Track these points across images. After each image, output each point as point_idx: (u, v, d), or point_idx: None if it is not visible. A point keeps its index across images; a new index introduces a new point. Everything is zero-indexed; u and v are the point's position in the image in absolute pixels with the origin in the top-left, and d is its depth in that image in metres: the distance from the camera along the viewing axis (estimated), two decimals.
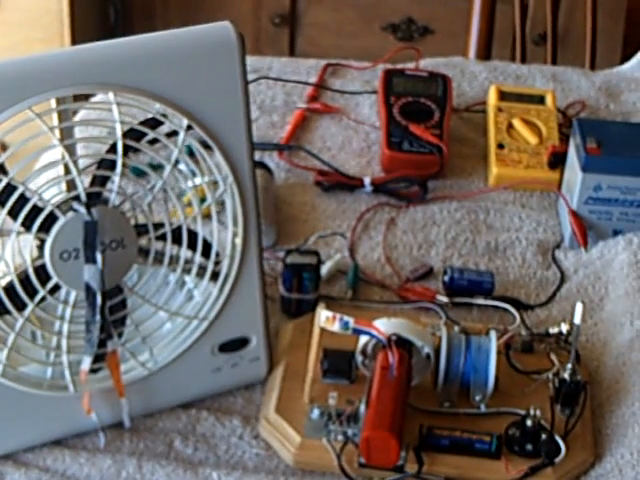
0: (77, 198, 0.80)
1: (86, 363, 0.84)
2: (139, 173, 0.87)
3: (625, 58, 1.54)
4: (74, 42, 2.19)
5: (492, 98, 1.29)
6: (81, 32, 2.22)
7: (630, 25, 1.80)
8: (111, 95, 0.79)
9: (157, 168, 0.84)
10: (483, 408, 0.89)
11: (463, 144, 1.27)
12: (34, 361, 0.86)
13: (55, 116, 0.79)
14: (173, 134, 0.84)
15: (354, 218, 1.14)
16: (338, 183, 1.19)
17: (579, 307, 0.88)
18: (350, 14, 2.42)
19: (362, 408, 0.86)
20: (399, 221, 1.15)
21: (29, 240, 0.81)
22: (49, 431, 0.88)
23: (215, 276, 0.89)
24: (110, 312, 0.84)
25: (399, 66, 1.37)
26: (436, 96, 1.27)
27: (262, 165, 1.17)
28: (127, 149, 0.81)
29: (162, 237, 0.86)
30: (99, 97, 0.83)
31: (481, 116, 1.31)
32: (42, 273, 0.81)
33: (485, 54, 1.68)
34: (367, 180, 1.18)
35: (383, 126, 1.24)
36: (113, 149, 0.81)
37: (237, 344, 0.92)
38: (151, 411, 0.91)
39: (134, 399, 0.88)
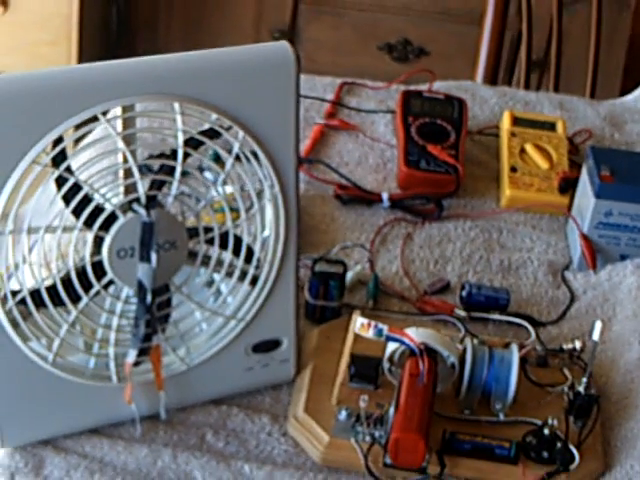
0: (137, 200, 0.84)
1: (132, 356, 0.88)
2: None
3: (624, 87, 1.61)
4: (81, 45, 2.23)
5: (506, 123, 1.34)
6: (87, 36, 2.26)
7: (631, 55, 1.86)
8: (177, 105, 0.84)
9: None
10: (502, 417, 0.94)
11: (476, 166, 1.32)
12: (80, 351, 0.90)
13: (119, 122, 0.84)
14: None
15: (372, 231, 1.19)
16: (357, 197, 1.24)
17: (598, 325, 0.93)
18: (348, 33, 2.47)
19: (391, 412, 0.90)
20: (415, 236, 1.20)
21: (87, 237, 0.85)
22: (88, 419, 0.92)
23: (254, 280, 0.94)
24: (157, 309, 0.89)
25: (412, 87, 1.42)
26: (452, 118, 1.32)
27: None
28: (185, 157, 0.86)
29: (209, 242, 0.90)
30: (155, 106, 0.88)
31: (493, 139, 1.36)
32: (98, 269, 0.86)
33: (492, 79, 1.74)
34: (385, 195, 1.23)
35: (401, 144, 1.29)
36: (170, 156, 0.86)
37: (269, 345, 0.97)
38: (185, 405, 0.95)
39: (170, 392, 0.92)
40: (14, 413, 0.89)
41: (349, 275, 1.11)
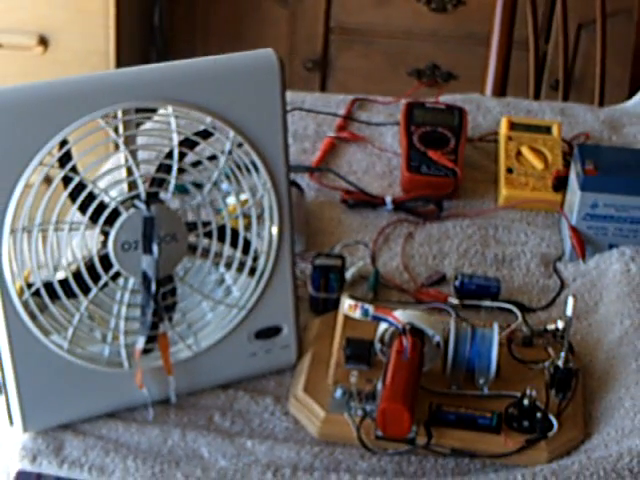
0: (138, 197, 0.93)
1: (140, 343, 0.97)
2: (184, 191, 0.99)
3: (631, 97, 1.67)
4: None
5: (503, 128, 1.42)
6: None
7: (637, 67, 1.92)
8: (170, 108, 0.93)
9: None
10: (486, 390, 1.01)
11: (476, 170, 1.40)
12: (95, 341, 0.98)
13: (121, 125, 0.93)
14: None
15: (376, 232, 1.27)
16: (362, 201, 1.31)
17: (570, 300, 1.00)
18: (378, 60, 2.55)
19: (379, 386, 0.98)
20: (416, 235, 1.27)
21: (94, 233, 0.94)
22: (105, 404, 1.00)
23: (253, 271, 1.02)
24: (162, 298, 0.97)
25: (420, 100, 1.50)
26: (452, 126, 1.40)
27: (295, 184, 1.29)
28: (181, 156, 0.95)
29: (208, 234, 0.99)
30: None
31: (493, 145, 1.44)
32: (105, 261, 0.94)
33: (500, 93, 1.81)
34: (388, 199, 1.30)
35: (404, 151, 1.37)
36: (169, 156, 0.95)
37: (271, 332, 1.04)
38: (194, 390, 1.03)
39: (180, 378, 1.00)
40: (36, 400, 0.97)
41: (351, 270, 1.19)
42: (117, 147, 0.93)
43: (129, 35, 2.39)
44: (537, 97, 1.87)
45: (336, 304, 1.12)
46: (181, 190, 0.97)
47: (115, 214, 0.93)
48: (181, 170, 0.95)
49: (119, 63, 2.31)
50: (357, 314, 0.99)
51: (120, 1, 2.27)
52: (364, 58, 2.56)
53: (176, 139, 0.94)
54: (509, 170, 1.35)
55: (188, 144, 0.95)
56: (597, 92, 1.84)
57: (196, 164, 0.97)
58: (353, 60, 2.56)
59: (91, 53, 2.26)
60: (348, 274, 1.17)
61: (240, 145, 0.97)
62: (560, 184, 1.31)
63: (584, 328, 1.12)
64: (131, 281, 0.96)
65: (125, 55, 2.35)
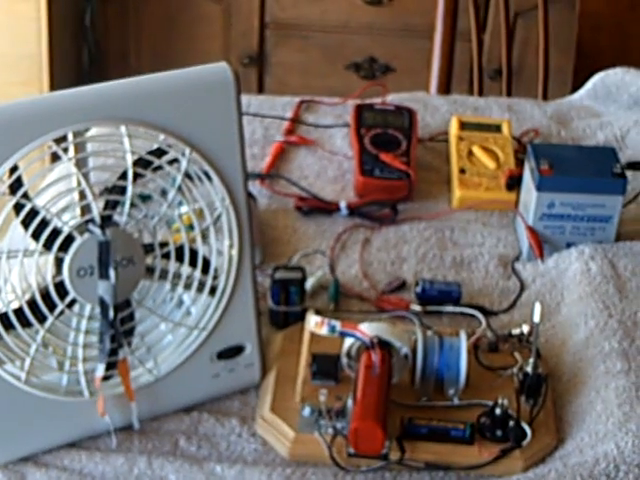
0: (92, 221, 0.90)
1: (100, 370, 0.94)
2: (143, 197, 0.96)
3: (575, 90, 1.67)
4: (52, 85, 2.29)
5: (453, 128, 1.40)
6: (58, 75, 2.32)
7: (580, 59, 1.93)
8: (123, 128, 0.89)
9: (147, 199, 0.94)
10: (456, 401, 0.99)
11: (428, 170, 1.38)
12: (52, 370, 0.95)
13: (72, 148, 0.90)
14: (173, 162, 0.94)
15: (332, 239, 1.25)
16: (316, 208, 1.29)
17: (537, 307, 0.99)
18: (315, 54, 2.53)
19: (349, 403, 0.96)
20: (373, 240, 1.25)
21: (48, 260, 0.91)
22: (66, 434, 0.97)
23: (213, 290, 0.99)
24: (120, 323, 0.94)
25: (367, 101, 1.48)
26: (403, 127, 1.39)
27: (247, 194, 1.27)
28: (135, 177, 0.91)
29: (166, 255, 0.96)
30: (105, 130, 0.93)
31: (444, 145, 1.42)
32: (60, 289, 0.91)
33: (445, 89, 1.80)
34: (343, 204, 1.29)
35: (356, 155, 1.35)
36: (122, 177, 0.92)
37: (233, 351, 1.02)
38: (157, 414, 1.00)
39: (142, 403, 0.97)
40: None
41: (311, 280, 1.16)
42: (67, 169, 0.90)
43: (60, 37, 2.35)
44: (481, 90, 1.86)
45: (297, 317, 1.11)
46: (141, 198, 0.94)
47: (69, 240, 0.89)
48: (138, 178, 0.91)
49: (51, 66, 2.26)
50: (324, 331, 0.97)
51: (51, 3, 2.22)
52: (301, 53, 2.54)
53: (130, 159, 0.90)
54: (462, 171, 1.34)
55: (142, 164, 0.92)
56: (541, 84, 1.84)
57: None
58: (290, 55, 2.54)
59: (22, 57, 2.21)
60: (308, 285, 1.15)
61: (196, 162, 0.94)
62: (513, 183, 1.30)
63: (547, 330, 1.11)
64: (88, 307, 0.93)
65: (57, 58, 2.30)
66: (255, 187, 1.33)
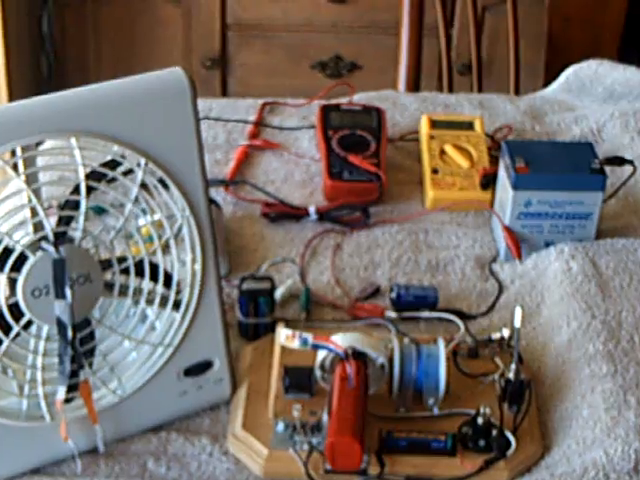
0: (45, 238, 0.85)
1: (61, 393, 0.89)
2: (99, 210, 0.92)
3: (547, 84, 1.63)
4: (10, 96, 2.23)
5: (424, 127, 1.36)
6: (16, 86, 2.27)
7: (551, 52, 1.89)
8: (73, 140, 0.84)
9: (102, 212, 0.89)
10: (436, 411, 0.95)
11: (400, 171, 1.34)
12: (10, 394, 0.90)
13: (21, 163, 0.85)
14: (129, 173, 0.90)
15: (302, 245, 1.20)
16: (284, 213, 1.25)
17: (518, 311, 0.95)
18: (279, 55, 2.49)
19: (325, 418, 0.91)
20: (345, 245, 1.21)
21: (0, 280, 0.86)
22: (28, 460, 0.92)
23: (177, 305, 0.94)
24: (80, 344, 0.89)
25: (333, 101, 1.44)
26: (371, 128, 1.34)
27: (210, 200, 1.22)
28: (89, 190, 0.86)
29: (125, 271, 0.91)
30: (55, 143, 0.88)
31: (415, 144, 1.38)
32: (15, 310, 0.86)
33: (414, 86, 1.76)
34: (312, 209, 1.24)
35: (323, 158, 1.31)
36: (75, 190, 0.87)
37: (201, 368, 0.97)
38: (123, 436, 0.95)
39: (107, 425, 0.93)
40: None
41: (280, 290, 1.12)
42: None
43: (17, 47, 2.29)
44: (451, 86, 1.82)
45: (267, 328, 1.06)
46: (97, 211, 0.90)
47: (22, 259, 0.84)
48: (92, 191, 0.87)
49: (9, 73, 2.21)
50: (296, 344, 0.92)
51: (6, 9, 2.17)
52: (265, 54, 2.50)
53: (82, 172, 0.85)
54: (434, 171, 1.29)
55: (96, 176, 0.87)
56: (512, 79, 1.80)
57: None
58: (253, 56, 2.50)
59: None
60: (277, 294, 1.11)
61: (153, 172, 0.89)
62: (488, 181, 1.26)
63: (528, 332, 1.07)
64: (45, 329, 0.88)
65: (14, 68, 2.25)
66: (219, 194, 1.28)
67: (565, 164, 1.17)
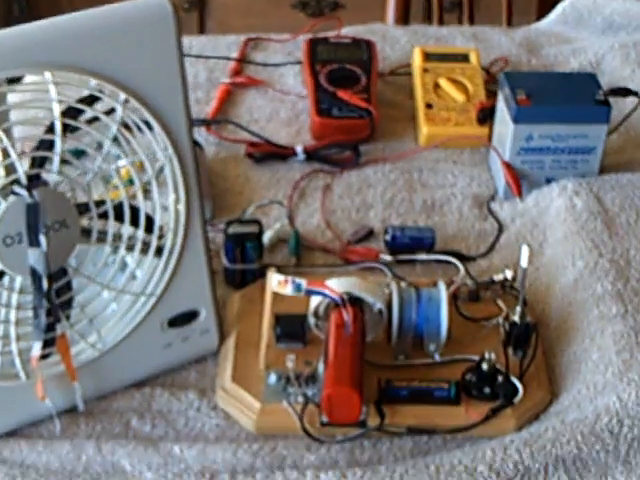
0: (17, 182, 0.78)
1: (36, 349, 0.83)
2: (77, 153, 0.85)
3: (540, 14, 1.56)
4: None
5: (417, 60, 1.29)
6: None
7: None
8: (48, 75, 0.77)
9: (80, 154, 0.83)
10: (438, 357, 0.90)
11: (391, 107, 1.28)
12: None
13: None
14: (110, 113, 0.83)
15: (289, 187, 1.14)
16: (270, 153, 1.18)
17: (525, 250, 0.89)
18: None
19: (320, 368, 0.86)
20: (335, 186, 1.15)
21: None
22: (3, 422, 0.87)
23: (159, 251, 0.88)
24: (56, 295, 0.83)
25: (321, 35, 1.37)
26: (361, 61, 1.28)
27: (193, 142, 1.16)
28: (65, 129, 0.80)
29: (104, 215, 0.85)
30: (30, 78, 0.81)
31: (406, 78, 1.31)
32: None
33: (403, 20, 1.69)
34: (299, 148, 1.18)
35: (311, 94, 1.24)
36: (50, 130, 0.80)
37: (186, 318, 0.91)
38: (105, 393, 0.90)
39: (86, 382, 0.87)
40: None
41: (268, 234, 1.06)
42: None
43: None
44: (441, 21, 1.75)
45: (255, 275, 1.01)
46: (75, 154, 0.83)
47: None
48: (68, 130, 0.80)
49: None
50: (288, 290, 0.86)
51: None
52: None
53: (57, 110, 0.79)
54: (428, 105, 1.23)
55: (72, 114, 0.80)
56: (504, 11, 1.73)
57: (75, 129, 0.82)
58: None
59: None
60: (265, 239, 1.05)
61: (134, 109, 0.82)
62: (485, 116, 1.20)
63: (531, 273, 1.01)
64: (18, 280, 0.81)
65: None
66: (201, 134, 1.22)
67: (568, 96, 1.10)
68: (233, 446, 0.85)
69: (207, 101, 1.28)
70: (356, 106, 1.21)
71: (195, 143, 1.15)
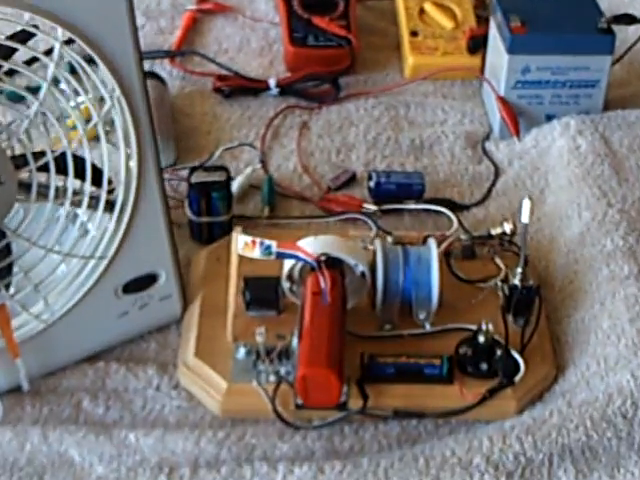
0: None
1: None
2: (14, 98, 0.74)
3: None
4: None
5: None
6: None
7: None
8: None
9: (34, 91, 0.72)
10: (428, 327, 0.80)
11: (373, 35, 1.19)
12: None
13: None
14: (50, 52, 0.72)
15: (262, 125, 1.05)
16: (240, 87, 1.10)
17: (526, 203, 0.78)
18: None
19: (295, 342, 0.76)
20: (312, 124, 1.06)
21: None
22: None
23: (110, 207, 0.78)
24: None
25: None
26: None
27: (153, 75, 1.07)
28: None
29: (45, 168, 0.74)
30: None
31: (389, 3, 1.24)
32: None
33: None
34: (272, 82, 1.09)
35: (284, 21, 1.16)
36: None
37: (143, 282, 0.82)
38: (53, 369, 0.82)
39: (31, 358, 0.79)
40: None
41: (238, 180, 0.97)
42: None
43: None
44: None
45: (224, 229, 0.91)
46: (11, 97, 0.73)
47: None
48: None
49: None
50: (256, 253, 0.76)
51: None
52: None
53: None
54: (413, 33, 1.15)
55: (3, 53, 0.69)
56: None
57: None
58: None
59: None
60: (234, 187, 0.95)
61: (73, 42, 0.71)
62: (476, 45, 1.12)
63: (532, 224, 0.91)
64: None
65: None
66: (164, 67, 1.13)
67: (568, 23, 1.02)
68: (195, 434, 0.76)
69: (171, 30, 1.20)
70: (334, 34, 1.14)
71: (157, 77, 1.06)
